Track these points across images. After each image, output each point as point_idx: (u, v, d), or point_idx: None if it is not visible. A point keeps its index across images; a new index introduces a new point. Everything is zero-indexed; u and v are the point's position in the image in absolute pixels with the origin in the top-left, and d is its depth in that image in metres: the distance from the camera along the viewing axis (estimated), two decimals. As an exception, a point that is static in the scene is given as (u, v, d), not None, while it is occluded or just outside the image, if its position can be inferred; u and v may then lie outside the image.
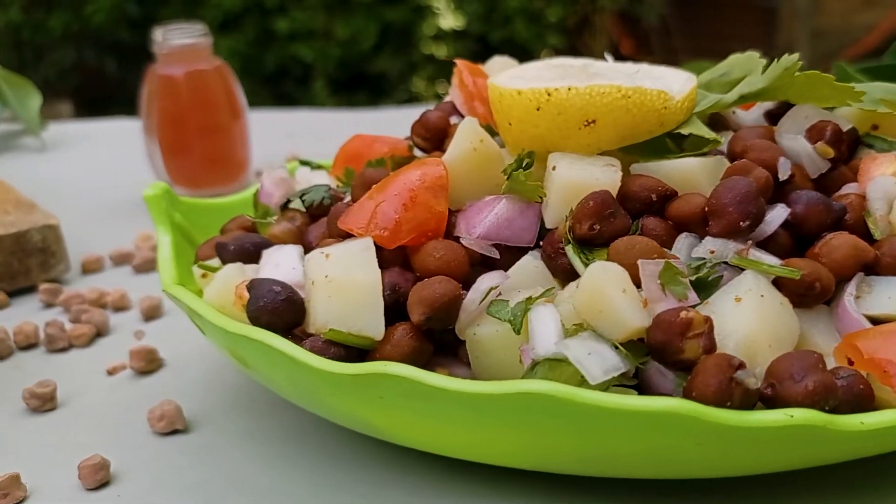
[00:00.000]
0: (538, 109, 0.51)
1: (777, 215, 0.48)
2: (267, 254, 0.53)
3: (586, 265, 0.46)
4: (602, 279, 0.43)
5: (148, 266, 0.85)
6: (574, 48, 4.94)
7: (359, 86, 5.06)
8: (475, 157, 0.53)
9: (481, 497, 0.49)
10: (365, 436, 0.53)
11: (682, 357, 0.41)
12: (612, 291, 0.42)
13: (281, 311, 0.48)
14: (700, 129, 0.51)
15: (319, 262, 0.48)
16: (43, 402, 0.60)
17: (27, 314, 0.76)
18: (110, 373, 0.65)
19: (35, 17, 4.33)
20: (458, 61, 0.63)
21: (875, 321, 0.45)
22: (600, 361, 0.41)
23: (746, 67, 0.60)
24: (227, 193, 1.10)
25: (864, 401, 0.41)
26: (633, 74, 0.53)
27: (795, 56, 0.54)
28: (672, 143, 0.54)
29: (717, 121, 0.58)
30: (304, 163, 0.71)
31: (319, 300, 0.47)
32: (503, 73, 0.56)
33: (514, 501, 0.49)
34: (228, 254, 0.56)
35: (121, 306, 0.76)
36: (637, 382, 0.43)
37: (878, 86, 0.57)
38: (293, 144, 1.28)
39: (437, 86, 4.93)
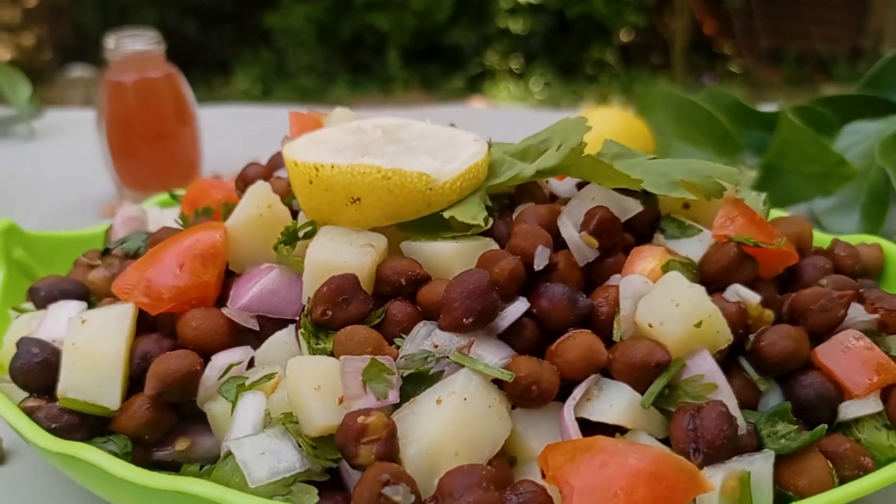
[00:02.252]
0: (311, 183, 0.51)
1: (514, 310, 0.47)
2: (53, 308, 0.55)
3: (314, 352, 0.47)
4: (297, 375, 0.43)
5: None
6: (653, 28, 4.82)
7: (433, 57, 5.07)
8: (260, 222, 0.53)
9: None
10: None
11: (357, 462, 0.41)
12: (304, 389, 0.43)
13: (35, 374, 0.50)
14: (465, 214, 0.50)
15: (76, 327, 0.50)
16: None
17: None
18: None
19: (121, -21, 4.51)
20: (291, 113, 0.63)
21: (599, 426, 0.45)
22: (272, 462, 0.42)
23: (568, 135, 0.59)
24: (177, 198, 1.13)
25: (539, 520, 0.41)
26: (411, 144, 0.53)
27: (580, 141, 0.52)
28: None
29: (526, 190, 0.57)
30: (173, 196, 0.73)
31: (65, 366, 0.49)
32: (304, 137, 0.56)
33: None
34: (39, 300, 0.58)
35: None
36: (329, 478, 0.43)
37: (684, 165, 0.55)
38: (260, 145, 1.30)
39: (511, 60, 4.89)
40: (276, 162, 0.63)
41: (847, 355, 0.49)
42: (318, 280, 0.49)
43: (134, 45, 1.07)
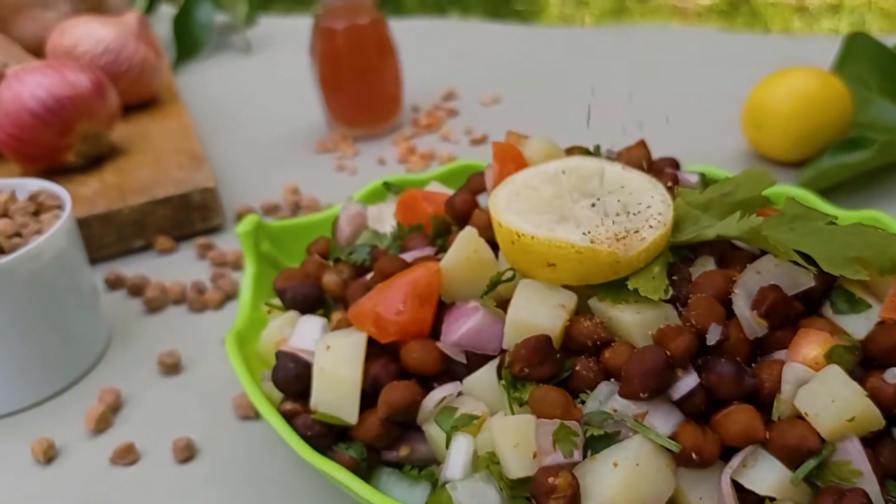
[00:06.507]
0: (512, 244, 0.60)
1: (686, 384, 0.54)
2: (300, 322, 0.67)
3: (511, 399, 0.57)
4: (499, 432, 0.54)
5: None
6: None
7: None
8: (468, 264, 0.63)
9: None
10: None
11: (546, 511, 0.52)
12: (503, 445, 0.53)
13: (291, 384, 0.63)
14: (648, 286, 0.57)
15: (322, 352, 0.62)
16: (168, 368, 0.81)
17: (186, 261, 0.98)
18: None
19: None
20: (495, 144, 0.70)
21: (751, 494, 0.53)
22: (479, 502, 0.53)
23: (753, 187, 0.63)
24: (381, 132, 1.24)
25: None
26: (603, 201, 0.60)
27: (759, 219, 0.57)
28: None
29: (707, 244, 0.62)
30: (386, 185, 0.83)
31: (316, 387, 0.61)
32: (504, 186, 0.64)
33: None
34: (286, 301, 0.71)
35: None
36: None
37: (862, 235, 0.58)
38: (457, 72, 1.38)
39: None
40: (476, 184, 0.71)
41: None
42: (517, 333, 0.58)
43: (345, -7, 1.16)
